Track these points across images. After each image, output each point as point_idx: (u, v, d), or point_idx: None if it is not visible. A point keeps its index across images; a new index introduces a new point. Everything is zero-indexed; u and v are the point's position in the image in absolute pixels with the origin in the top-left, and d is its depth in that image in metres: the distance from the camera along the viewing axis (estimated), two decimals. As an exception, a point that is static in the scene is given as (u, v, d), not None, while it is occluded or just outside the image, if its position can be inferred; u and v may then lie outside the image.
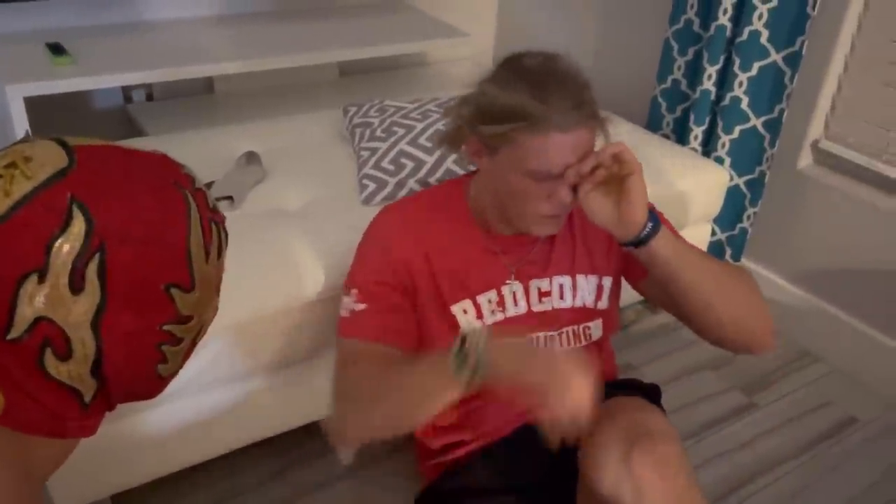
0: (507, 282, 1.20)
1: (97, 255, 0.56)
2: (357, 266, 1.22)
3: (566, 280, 1.22)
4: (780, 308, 2.06)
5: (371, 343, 1.15)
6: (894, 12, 1.73)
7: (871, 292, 1.87)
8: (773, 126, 1.88)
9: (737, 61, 1.83)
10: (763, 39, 1.80)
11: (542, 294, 1.21)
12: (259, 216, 1.51)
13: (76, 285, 0.56)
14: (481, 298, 1.20)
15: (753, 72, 1.83)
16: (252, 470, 1.55)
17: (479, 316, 1.20)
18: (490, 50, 2.83)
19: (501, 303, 1.20)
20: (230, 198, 1.51)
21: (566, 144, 1.03)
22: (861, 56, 1.81)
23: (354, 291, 1.18)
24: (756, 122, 1.88)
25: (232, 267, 1.32)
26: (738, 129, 1.90)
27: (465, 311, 1.19)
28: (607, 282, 1.26)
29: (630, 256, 1.16)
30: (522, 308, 1.21)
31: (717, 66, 1.88)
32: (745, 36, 1.80)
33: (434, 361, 0.99)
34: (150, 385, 0.65)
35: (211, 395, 1.37)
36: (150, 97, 2.30)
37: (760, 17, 1.78)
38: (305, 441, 1.62)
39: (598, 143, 1.09)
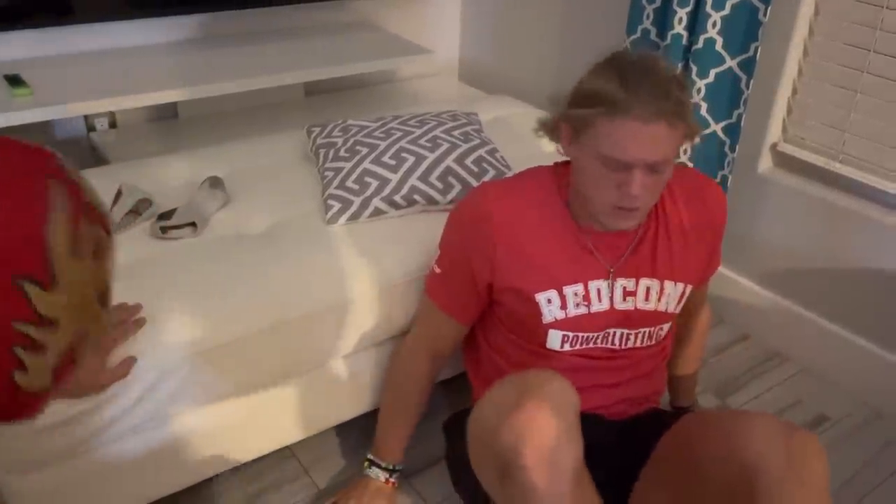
0: (597, 279, 1.25)
1: None
2: (446, 233, 1.34)
3: (654, 284, 1.27)
4: (748, 309, 2.08)
5: (435, 305, 1.35)
6: (844, 16, 1.77)
7: (836, 291, 1.89)
8: (733, 131, 1.91)
9: (694, 69, 1.86)
10: (718, 46, 1.83)
11: (627, 293, 1.26)
12: (222, 241, 1.50)
13: None
14: (567, 290, 1.24)
15: (710, 78, 1.86)
16: (226, 497, 1.53)
17: (564, 307, 1.25)
18: (455, 65, 2.85)
19: (587, 297, 1.25)
20: (193, 224, 1.50)
21: (643, 135, 1.04)
22: (814, 59, 1.85)
23: (439, 252, 1.35)
24: (716, 127, 1.91)
25: (197, 292, 1.32)
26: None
27: (549, 301, 1.24)
28: (689, 289, 1.31)
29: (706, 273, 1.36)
30: (605, 305, 1.26)
31: (676, 75, 1.91)
32: (700, 44, 1.83)
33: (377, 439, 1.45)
34: (9, 397, 0.57)
35: (180, 422, 1.35)
36: (113, 125, 2.28)
37: (714, 24, 1.81)
38: (279, 465, 1.61)
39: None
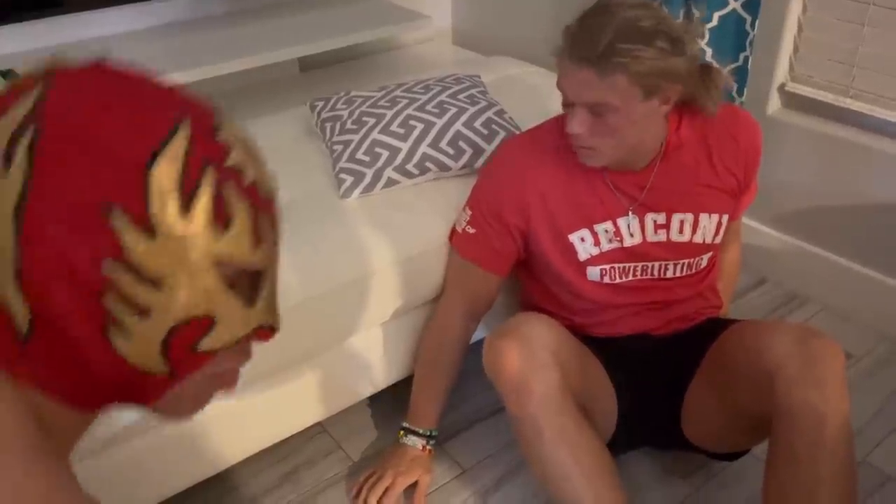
0: (624, 216, 1.32)
1: (32, 130, 0.48)
2: (476, 190, 1.41)
3: (688, 217, 1.33)
4: (764, 253, 2.08)
5: (472, 264, 1.41)
6: (846, -52, 1.74)
7: (851, 228, 1.89)
8: (740, 74, 1.88)
9: (696, 14, 1.83)
10: (720, -11, 1.79)
11: (658, 226, 1.33)
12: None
13: (6, 158, 0.48)
14: (598, 227, 1.32)
15: (714, 22, 1.83)
16: (257, 479, 1.54)
17: (597, 243, 1.33)
18: (448, 30, 2.80)
19: (618, 233, 1.32)
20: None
21: (573, 76, 1.15)
22: (818, -5, 1.82)
23: (469, 212, 1.40)
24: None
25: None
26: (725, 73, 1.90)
27: (582, 240, 1.33)
28: (725, 218, 1.37)
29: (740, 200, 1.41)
30: (638, 238, 1.33)
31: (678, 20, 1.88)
32: (702, -13, 1.80)
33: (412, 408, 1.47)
34: (111, 363, 0.51)
35: (210, 408, 1.35)
36: (110, 115, 2.25)
37: (715, -34, 1.77)
38: (311, 442, 1.62)
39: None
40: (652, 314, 1.40)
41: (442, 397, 1.45)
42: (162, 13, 2.22)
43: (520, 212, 1.34)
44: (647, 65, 1.12)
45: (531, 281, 1.48)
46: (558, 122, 1.34)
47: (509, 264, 1.41)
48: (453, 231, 1.46)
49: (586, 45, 1.12)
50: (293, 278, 1.37)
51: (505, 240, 1.37)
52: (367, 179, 1.57)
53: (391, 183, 1.58)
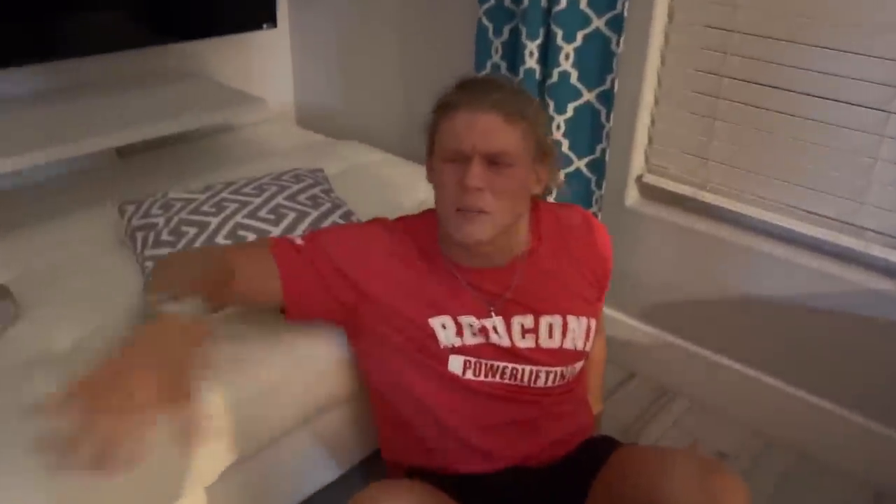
0: (488, 318, 1.21)
1: None
2: (331, 232, 1.26)
3: (556, 320, 1.24)
4: (632, 347, 2.00)
5: (274, 261, 1.16)
6: (692, 46, 1.72)
7: (716, 321, 1.84)
8: (597, 166, 1.81)
9: (551, 104, 1.75)
10: (574, 79, 1.72)
11: (526, 331, 1.22)
12: (15, 369, 1.17)
13: None
14: (462, 319, 1.21)
15: (570, 113, 1.75)
16: None
17: (460, 333, 1.20)
18: (291, 109, 2.60)
19: (484, 331, 1.21)
20: (-31, 354, 1.16)
21: (475, 123, 1.10)
22: (667, 88, 1.79)
23: (305, 237, 1.22)
24: (579, 163, 1.81)
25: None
26: (562, 172, 1.81)
27: (444, 326, 1.20)
28: (593, 323, 1.29)
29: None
30: (506, 341, 1.21)
31: (533, 111, 1.79)
32: (555, 78, 1.72)
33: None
34: None
35: None
36: None
37: (567, 56, 1.70)
38: None
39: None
40: (524, 438, 1.24)
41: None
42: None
43: (355, 288, 1.20)
44: (539, 128, 1.16)
45: (393, 426, 1.28)
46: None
47: (301, 309, 1.20)
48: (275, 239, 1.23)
49: (490, 92, 1.12)
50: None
51: (321, 290, 1.18)
52: (187, 305, 1.30)
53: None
